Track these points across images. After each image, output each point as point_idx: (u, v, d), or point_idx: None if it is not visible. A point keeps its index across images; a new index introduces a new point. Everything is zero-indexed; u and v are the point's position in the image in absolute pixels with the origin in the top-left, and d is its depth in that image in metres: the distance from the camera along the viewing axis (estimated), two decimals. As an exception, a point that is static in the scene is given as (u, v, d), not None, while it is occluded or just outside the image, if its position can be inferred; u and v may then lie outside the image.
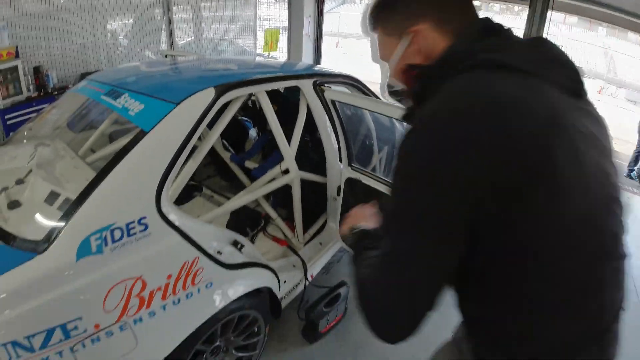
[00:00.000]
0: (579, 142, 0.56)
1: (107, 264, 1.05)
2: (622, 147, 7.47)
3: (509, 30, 0.65)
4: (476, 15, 0.66)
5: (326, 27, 6.28)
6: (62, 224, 1.04)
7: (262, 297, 1.55)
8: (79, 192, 1.07)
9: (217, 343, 1.46)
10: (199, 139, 1.51)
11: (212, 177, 2.44)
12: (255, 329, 1.58)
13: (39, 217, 1.19)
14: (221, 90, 1.31)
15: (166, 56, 2.81)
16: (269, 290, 1.55)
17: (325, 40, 6.29)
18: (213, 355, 1.48)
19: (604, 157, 0.61)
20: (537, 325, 0.59)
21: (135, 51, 4.63)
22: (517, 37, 0.65)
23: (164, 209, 1.14)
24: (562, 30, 16.09)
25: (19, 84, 3.44)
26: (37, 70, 3.63)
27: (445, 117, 0.54)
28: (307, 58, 6.12)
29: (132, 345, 1.15)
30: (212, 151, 1.45)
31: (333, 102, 1.74)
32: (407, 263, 0.55)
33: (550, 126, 0.53)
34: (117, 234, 1.05)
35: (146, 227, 1.10)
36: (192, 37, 5.57)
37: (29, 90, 3.54)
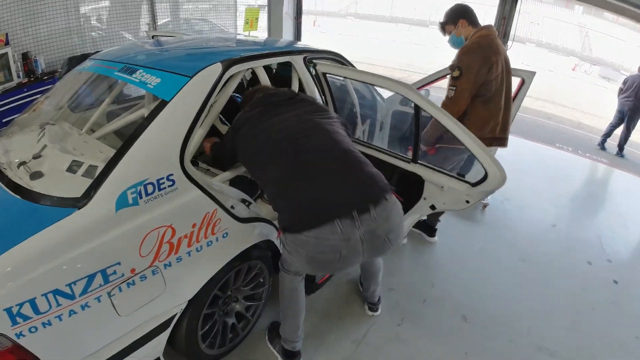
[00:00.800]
0: (276, 116, 1.43)
1: (143, 214, 1.20)
2: (593, 121, 7.86)
3: (270, 93, 1.57)
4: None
5: (304, 5, 6.28)
6: (99, 181, 1.15)
7: (266, 251, 1.72)
8: (113, 154, 1.21)
9: (229, 292, 1.63)
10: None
11: (202, 154, 2.57)
12: (261, 280, 1.76)
13: (70, 179, 1.29)
14: (227, 65, 1.46)
15: (152, 37, 2.85)
16: (272, 245, 1.73)
17: (302, 19, 6.31)
18: (225, 305, 1.67)
19: (305, 114, 1.45)
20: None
21: (118, 33, 4.62)
22: (265, 96, 1.55)
23: (187, 167, 1.30)
24: (538, 7, 16.36)
25: (9, 71, 3.43)
26: (25, 56, 3.61)
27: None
28: (287, 36, 6.13)
29: (161, 288, 1.30)
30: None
31: (324, 74, 1.90)
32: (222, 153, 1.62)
33: (252, 117, 1.46)
34: (150, 188, 1.21)
35: (173, 182, 1.26)
36: (169, 18, 5.49)
37: (18, 76, 3.55)
